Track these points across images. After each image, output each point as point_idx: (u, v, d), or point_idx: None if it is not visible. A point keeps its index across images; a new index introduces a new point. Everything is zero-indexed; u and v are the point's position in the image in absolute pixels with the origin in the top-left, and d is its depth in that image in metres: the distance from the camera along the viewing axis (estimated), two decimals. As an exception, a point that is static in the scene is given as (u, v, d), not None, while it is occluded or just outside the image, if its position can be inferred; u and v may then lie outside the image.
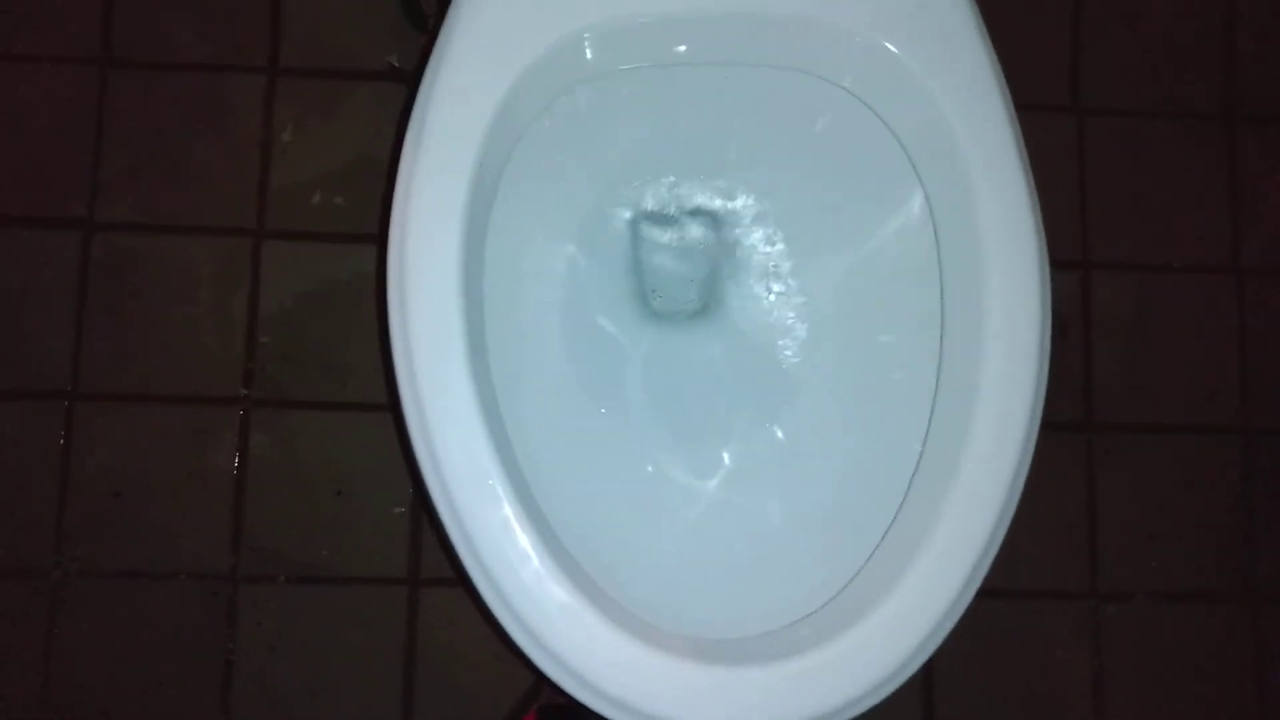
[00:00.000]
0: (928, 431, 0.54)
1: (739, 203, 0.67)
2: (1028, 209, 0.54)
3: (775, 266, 0.67)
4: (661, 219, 0.68)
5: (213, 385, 1.01)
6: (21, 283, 1.01)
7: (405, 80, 1.05)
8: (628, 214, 0.68)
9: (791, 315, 0.67)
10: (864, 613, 0.49)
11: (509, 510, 0.51)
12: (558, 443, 0.62)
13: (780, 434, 0.66)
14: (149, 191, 1.03)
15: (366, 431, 1.01)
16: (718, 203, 0.67)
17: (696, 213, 0.68)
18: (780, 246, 0.67)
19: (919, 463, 0.54)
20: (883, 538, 0.53)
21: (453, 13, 0.57)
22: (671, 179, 0.67)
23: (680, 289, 0.69)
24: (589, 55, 0.54)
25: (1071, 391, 1.06)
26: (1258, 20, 1.11)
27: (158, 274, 1.02)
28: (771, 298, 0.68)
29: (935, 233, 0.56)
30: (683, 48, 0.57)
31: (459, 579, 0.94)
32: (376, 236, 1.04)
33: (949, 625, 0.53)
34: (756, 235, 0.67)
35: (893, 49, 0.53)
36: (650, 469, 0.65)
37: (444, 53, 0.56)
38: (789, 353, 0.67)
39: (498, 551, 0.50)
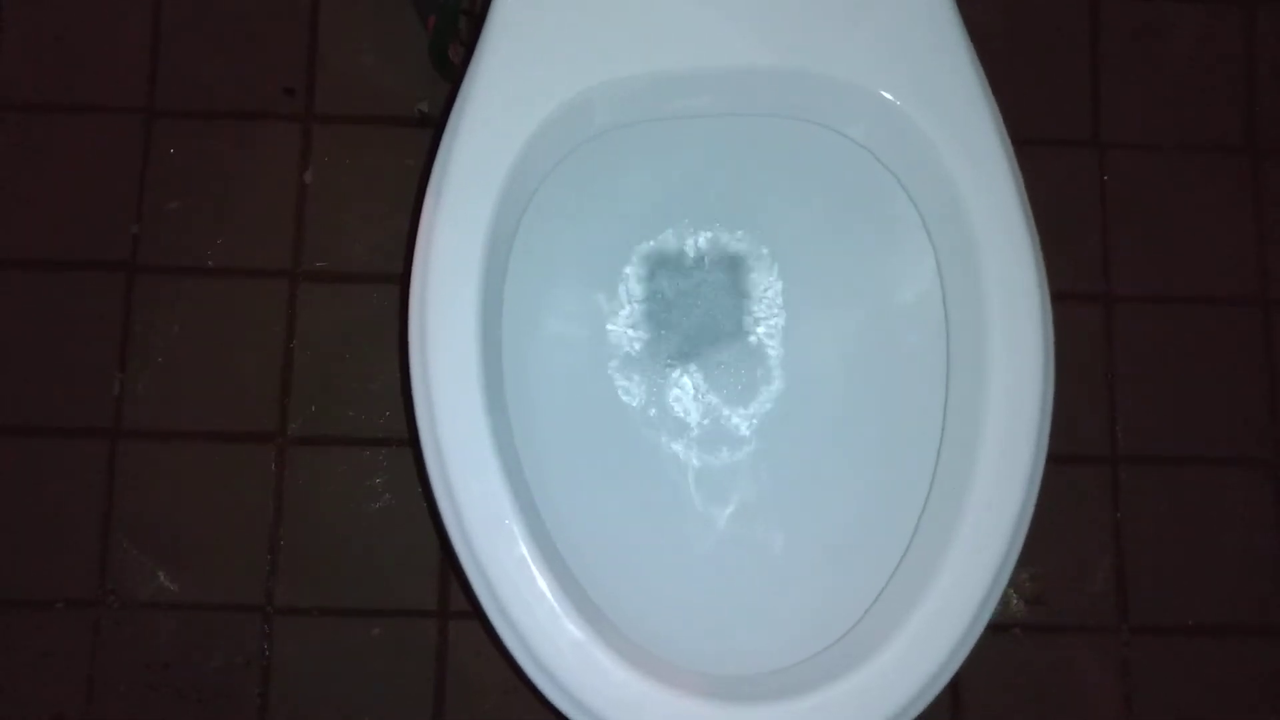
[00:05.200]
0: (934, 475, 0.55)
1: (752, 249, 0.69)
2: (1030, 258, 0.55)
3: (785, 313, 0.68)
4: (676, 265, 0.70)
5: (250, 422, 1.04)
6: (69, 322, 1.05)
7: (434, 126, 1.08)
8: (643, 259, 0.70)
9: (802, 359, 0.68)
10: (874, 649, 0.50)
11: (524, 550, 0.52)
12: (572, 481, 0.64)
13: (791, 474, 0.67)
14: (190, 234, 1.07)
15: (398, 466, 1.03)
16: (732, 249, 0.69)
17: (712, 259, 0.70)
18: (792, 292, 0.68)
19: (925, 504, 0.55)
20: (891, 577, 0.54)
21: (474, 67, 0.60)
22: (686, 223, 0.69)
23: (694, 335, 0.70)
24: (602, 109, 0.56)
25: (1098, 422, 1.05)
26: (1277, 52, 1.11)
27: (197, 314, 1.06)
28: (778, 344, 0.69)
29: (941, 281, 0.58)
30: (693, 101, 0.58)
31: (476, 615, 0.96)
32: (402, 277, 1.07)
33: (959, 659, 0.53)
34: (770, 281, 0.69)
35: (894, 100, 0.55)
36: (663, 505, 0.66)
37: (464, 105, 0.59)
38: (800, 397, 0.68)
39: (513, 590, 0.52)
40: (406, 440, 1.04)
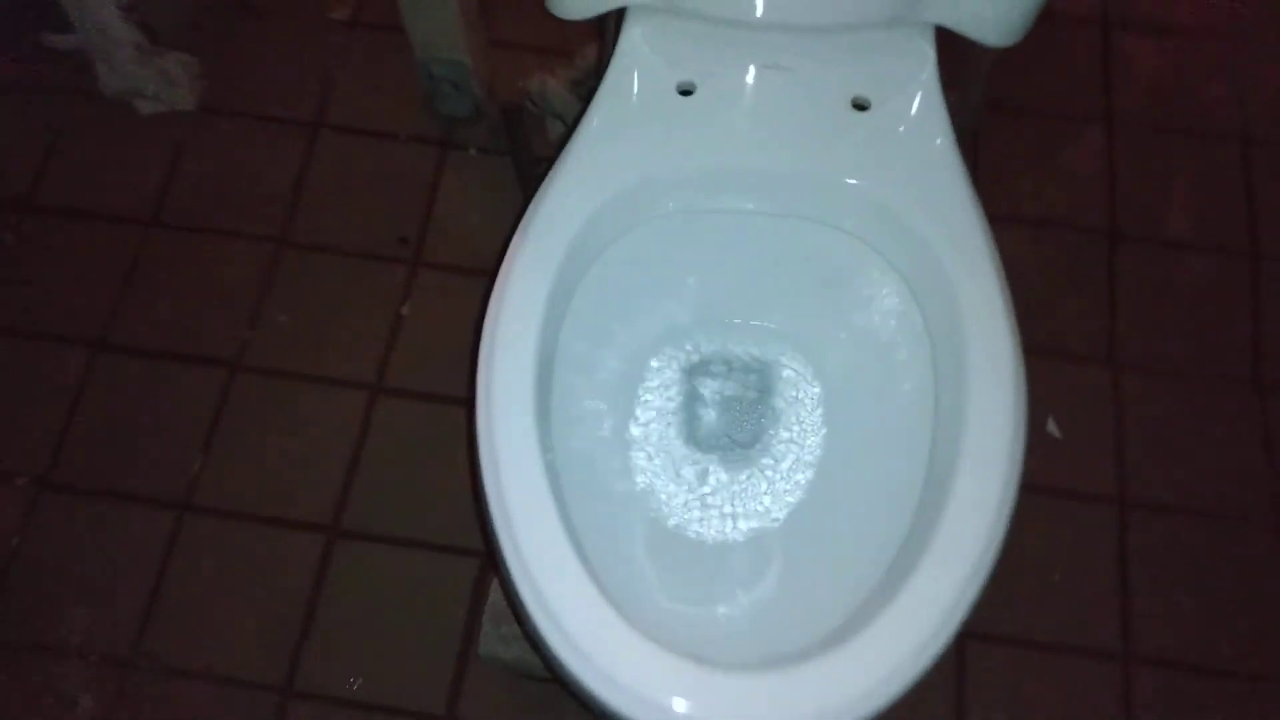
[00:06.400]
0: (920, 497, 0.61)
1: (772, 330, 0.79)
2: (1008, 337, 0.64)
3: (801, 395, 0.78)
4: (708, 348, 0.81)
5: (306, 512, 1.12)
6: (169, 404, 1.17)
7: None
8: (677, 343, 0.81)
9: (818, 423, 0.77)
10: (860, 629, 0.54)
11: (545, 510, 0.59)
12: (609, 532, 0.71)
13: (805, 512, 0.74)
14: (293, 345, 1.20)
15: (437, 568, 1.09)
16: (754, 324, 0.80)
17: (738, 343, 0.80)
18: (808, 372, 0.78)
19: (913, 520, 0.60)
20: (882, 579, 0.59)
21: (560, 159, 0.73)
22: (714, 309, 0.80)
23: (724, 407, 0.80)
24: (652, 197, 0.70)
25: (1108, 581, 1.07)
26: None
27: (281, 413, 1.17)
28: (801, 416, 0.79)
29: (933, 352, 0.67)
30: (731, 197, 0.72)
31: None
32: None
33: (932, 652, 0.57)
34: (793, 364, 0.79)
35: (893, 205, 0.67)
36: (689, 536, 0.73)
37: (547, 186, 0.72)
38: (813, 446, 0.77)
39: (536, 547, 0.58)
40: (450, 547, 1.10)
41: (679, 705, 0.55)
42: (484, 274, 1.25)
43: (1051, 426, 1.16)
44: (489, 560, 1.09)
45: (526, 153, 1.29)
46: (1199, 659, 1.06)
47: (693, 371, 0.81)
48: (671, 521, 0.78)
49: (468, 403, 1.17)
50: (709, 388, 0.80)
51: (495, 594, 0.95)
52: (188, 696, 1.04)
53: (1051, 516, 1.12)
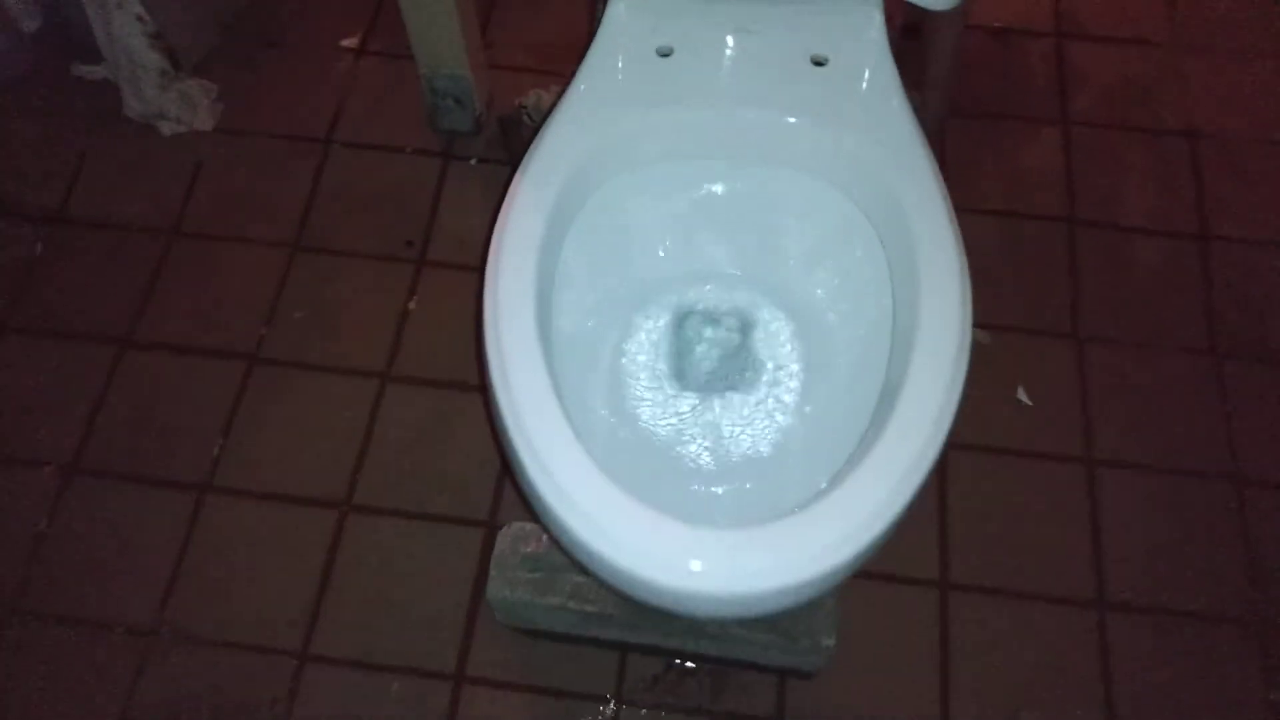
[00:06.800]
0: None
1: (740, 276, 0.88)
2: (955, 251, 0.72)
3: (776, 331, 0.86)
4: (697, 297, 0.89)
5: (320, 490, 1.19)
6: (191, 395, 1.25)
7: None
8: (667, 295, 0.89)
9: (789, 346, 0.85)
10: (830, 491, 0.61)
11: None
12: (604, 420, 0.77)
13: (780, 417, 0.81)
14: (308, 339, 1.28)
15: (445, 538, 1.15)
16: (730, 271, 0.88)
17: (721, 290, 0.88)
18: (780, 313, 0.86)
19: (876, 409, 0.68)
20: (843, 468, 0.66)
21: (553, 114, 0.82)
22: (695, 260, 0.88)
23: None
24: (631, 146, 0.79)
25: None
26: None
27: (297, 400, 1.24)
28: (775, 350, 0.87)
29: (890, 270, 0.75)
30: (699, 143, 0.81)
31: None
32: (475, 385, 1.25)
33: (897, 506, 0.64)
34: (767, 306, 0.87)
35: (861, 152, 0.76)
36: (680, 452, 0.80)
37: (538, 143, 0.80)
38: (791, 359, 0.85)
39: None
40: (455, 518, 1.17)
41: (695, 565, 0.61)
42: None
43: (1022, 395, 1.23)
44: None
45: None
46: (1169, 602, 1.11)
47: (678, 320, 0.89)
48: (661, 429, 0.85)
49: (477, 361, 1.24)
50: (694, 332, 0.87)
51: (500, 543, 1.01)
52: (211, 661, 1.09)
53: (1025, 476, 1.18)
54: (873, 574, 1.12)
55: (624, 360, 0.86)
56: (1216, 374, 1.24)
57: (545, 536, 1.00)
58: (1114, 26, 1.52)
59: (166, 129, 1.44)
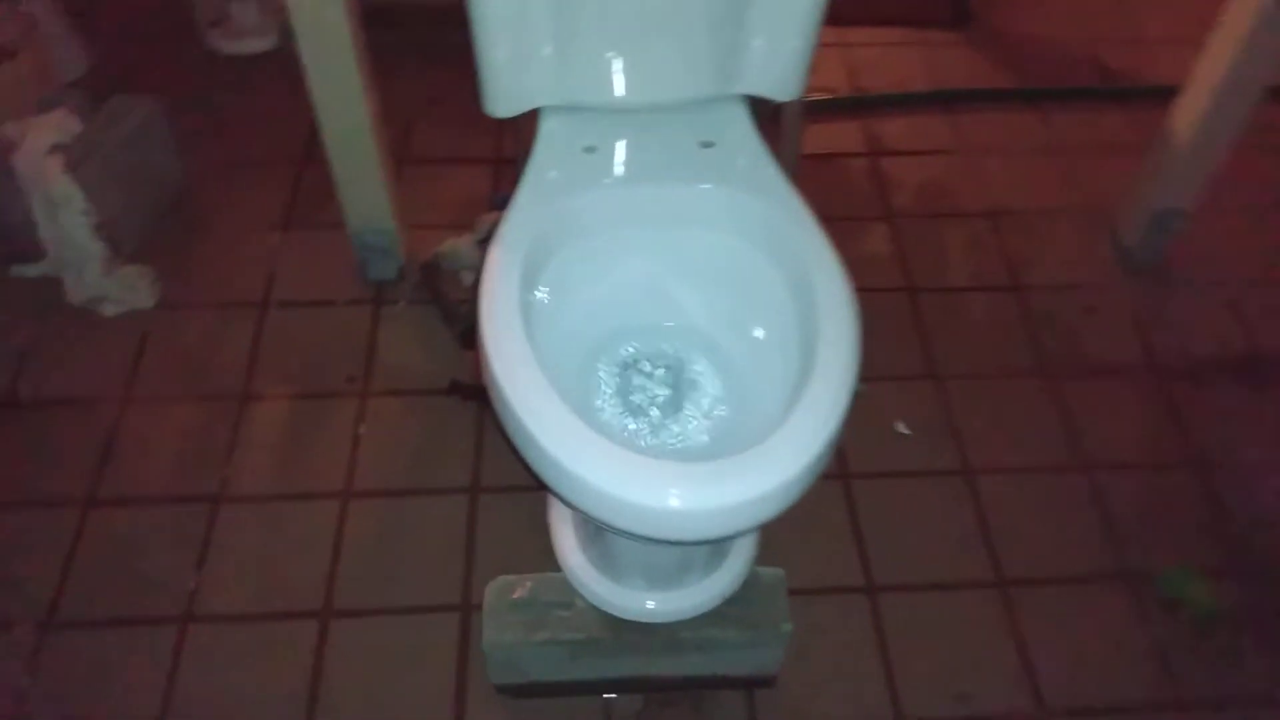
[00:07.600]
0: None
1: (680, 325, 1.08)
2: (837, 267, 0.96)
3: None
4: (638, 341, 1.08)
5: (299, 602, 1.27)
6: (159, 539, 1.32)
7: (463, 393, 1.47)
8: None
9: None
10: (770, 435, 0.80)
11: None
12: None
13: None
14: (268, 474, 1.39)
15: (424, 627, 1.25)
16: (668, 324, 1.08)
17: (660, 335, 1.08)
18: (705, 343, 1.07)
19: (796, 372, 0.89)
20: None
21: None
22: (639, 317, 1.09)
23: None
24: (573, 220, 1.01)
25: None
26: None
27: (268, 526, 1.34)
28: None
29: (791, 295, 0.98)
30: (622, 214, 1.03)
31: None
32: (431, 489, 1.38)
33: (826, 436, 0.83)
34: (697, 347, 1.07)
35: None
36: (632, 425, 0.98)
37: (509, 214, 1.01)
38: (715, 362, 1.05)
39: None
40: (422, 608, 1.27)
41: (674, 501, 0.78)
42: (424, 393, 1.49)
43: (901, 427, 1.46)
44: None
45: (446, 299, 1.58)
46: (1055, 572, 1.32)
47: (624, 367, 1.07)
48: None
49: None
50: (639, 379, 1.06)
51: (488, 597, 1.13)
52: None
53: (917, 490, 1.39)
54: (811, 590, 1.28)
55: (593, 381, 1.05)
56: (1047, 387, 1.51)
57: (529, 583, 1.13)
58: (915, 143, 1.88)
59: (110, 309, 1.56)
